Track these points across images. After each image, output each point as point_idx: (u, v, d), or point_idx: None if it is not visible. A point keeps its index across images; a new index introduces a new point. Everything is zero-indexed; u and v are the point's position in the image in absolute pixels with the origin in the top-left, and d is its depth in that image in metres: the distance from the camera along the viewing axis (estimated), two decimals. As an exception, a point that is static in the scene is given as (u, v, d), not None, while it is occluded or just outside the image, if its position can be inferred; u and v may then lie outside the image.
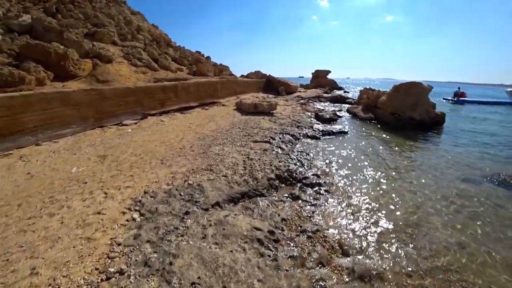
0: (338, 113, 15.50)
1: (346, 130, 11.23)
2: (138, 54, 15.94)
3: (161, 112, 12.27)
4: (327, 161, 7.53)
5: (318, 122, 12.35)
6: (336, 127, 11.98)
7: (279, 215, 4.28)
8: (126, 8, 25.06)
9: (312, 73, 41.16)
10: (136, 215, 3.94)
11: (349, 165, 7.31)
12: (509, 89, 36.46)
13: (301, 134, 9.95)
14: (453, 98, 29.84)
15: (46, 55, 9.60)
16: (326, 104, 20.78)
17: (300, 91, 30.11)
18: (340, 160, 7.70)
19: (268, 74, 29.59)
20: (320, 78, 40.25)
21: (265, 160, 6.59)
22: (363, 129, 12.39)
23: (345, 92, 38.68)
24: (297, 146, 8.75)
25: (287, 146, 8.38)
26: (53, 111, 7.78)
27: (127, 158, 6.40)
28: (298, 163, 6.87)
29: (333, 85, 41.06)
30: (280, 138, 9.01)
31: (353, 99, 22.46)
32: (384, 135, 11.25)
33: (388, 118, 13.54)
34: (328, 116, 13.20)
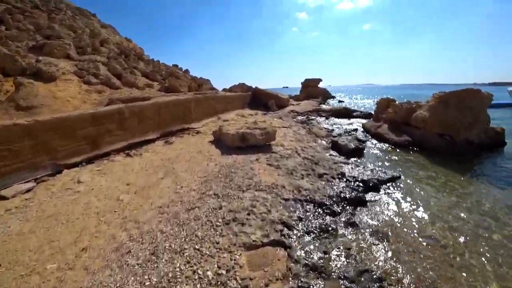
0: (358, 136, 11.27)
1: (397, 174, 6.89)
2: (95, 69, 12.26)
3: (91, 157, 7.53)
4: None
5: (342, 159, 7.96)
6: (375, 167, 7.66)
7: None
8: (95, 21, 21.93)
9: (302, 83, 37.39)
10: None
11: None
12: (510, 88, 33.70)
13: (334, 196, 5.50)
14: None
15: None
16: (331, 120, 16.58)
17: (292, 104, 26.01)
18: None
19: (254, 87, 25.39)
20: (311, 88, 36.50)
21: None
22: (412, 164, 8.12)
23: (339, 101, 35.02)
24: (339, 240, 4.26)
25: (320, 245, 3.87)
26: None
27: None
28: None
29: (326, 95, 37.38)
30: (302, 223, 4.52)
31: (361, 112, 18.45)
32: (460, 176, 6.99)
33: (434, 142, 9.37)
34: (353, 146, 8.86)
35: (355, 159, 8.51)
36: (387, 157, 8.86)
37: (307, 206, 5.10)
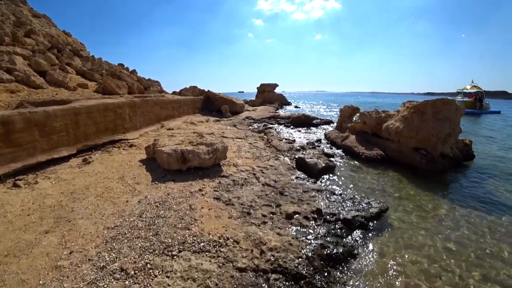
0: (324, 149, 9.68)
1: (384, 206, 5.22)
2: (9, 64, 9.57)
3: None
4: None
5: (312, 182, 6.09)
6: (354, 194, 5.98)
7: None
8: (26, 9, 18.13)
9: (258, 88, 35.97)
10: None
11: None
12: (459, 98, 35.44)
13: (312, 256, 3.51)
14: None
15: None
16: (291, 129, 14.96)
17: (248, 110, 24.15)
18: None
19: (207, 90, 22.94)
20: (267, 93, 35.27)
21: None
22: (393, 188, 6.64)
23: (296, 107, 34.35)
24: None
25: None
26: None
27: None
28: None
29: (282, 100, 36.50)
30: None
31: (321, 119, 17.30)
32: (451, 203, 5.61)
33: (410, 156, 8.16)
34: (323, 164, 7.10)
35: (327, 180, 6.77)
36: (361, 176, 7.31)
37: (276, 284, 3.03)
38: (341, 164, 8.40)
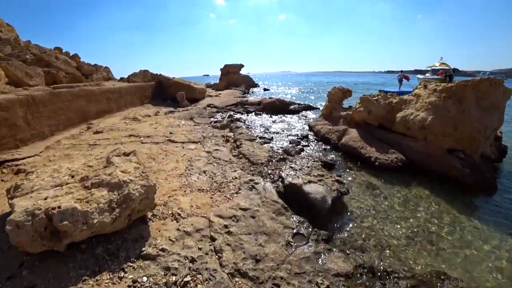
0: (321, 156, 6.78)
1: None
2: None
3: None
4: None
5: (321, 247, 3.15)
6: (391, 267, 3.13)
7: None
8: None
9: (221, 69, 32.07)
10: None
11: None
12: (420, 76, 35.01)
13: None
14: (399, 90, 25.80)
15: None
16: (264, 119, 11.78)
17: (210, 95, 20.46)
18: None
19: (158, 74, 18.72)
20: (232, 75, 31.56)
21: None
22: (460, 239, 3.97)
23: (265, 89, 31.16)
24: None
25: None
26: None
27: None
28: None
29: (249, 83, 33.03)
30: None
31: (298, 104, 14.35)
32: None
33: (446, 163, 5.56)
34: (334, 195, 4.14)
35: (338, 228, 3.86)
36: (385, 206, 4.54)
37: None
38: (349, 180, 5.58)
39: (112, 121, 10.38)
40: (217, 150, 6.31)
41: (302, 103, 14.78)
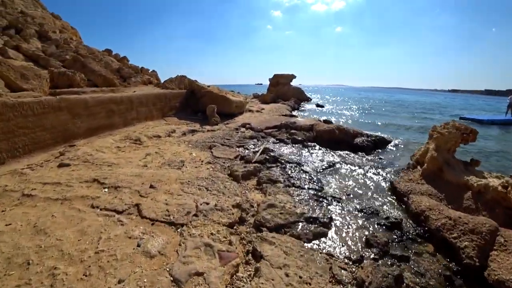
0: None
1: None
2: None
3: None
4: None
5: None
6: None
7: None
8: None
9: (270, 79, 28.94)
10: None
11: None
12: None
13: None
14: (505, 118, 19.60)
15: None
16: (315, 156, 7.74)
17: (251, 109, 17.15)
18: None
19: (194, 81, 16.15)
20: (281, 86, 28.13)
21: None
22: None
23: (318, 105, 26.91)
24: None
25: None
26: None
27: None
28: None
29: (300, 96, 29.17)
30: None
31: (367, 136, 10.04)
32: None
33: None
34: None
35: None
36: None
37: None
38: None
39: (104, 143, 7.57)
40: (201, 274, 2.67)
41: (370, 133, 10.43)
